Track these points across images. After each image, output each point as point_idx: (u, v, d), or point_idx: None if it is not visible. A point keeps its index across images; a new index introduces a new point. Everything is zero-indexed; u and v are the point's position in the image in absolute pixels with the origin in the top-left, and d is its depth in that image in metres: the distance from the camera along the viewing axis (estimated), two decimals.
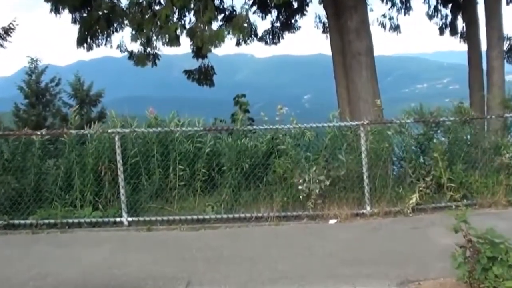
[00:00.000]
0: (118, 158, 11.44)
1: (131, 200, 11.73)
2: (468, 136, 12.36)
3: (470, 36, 20.91)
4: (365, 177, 11.50)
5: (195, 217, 11.38)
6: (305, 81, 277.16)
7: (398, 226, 10.58)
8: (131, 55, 20.17)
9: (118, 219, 11.51)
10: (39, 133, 11.91)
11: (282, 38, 23.85)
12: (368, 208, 11.48)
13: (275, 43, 23.70)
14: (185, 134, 12.19)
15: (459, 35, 24.01)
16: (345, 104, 17.06)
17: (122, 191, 11.41)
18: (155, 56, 20.14)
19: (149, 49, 19.62)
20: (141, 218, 11.47)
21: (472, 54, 20.57)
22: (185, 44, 18.77)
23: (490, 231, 6.50)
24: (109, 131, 11.64)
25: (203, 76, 21.72)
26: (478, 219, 7.35)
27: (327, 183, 11.33)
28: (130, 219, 11.46)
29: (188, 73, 21.85)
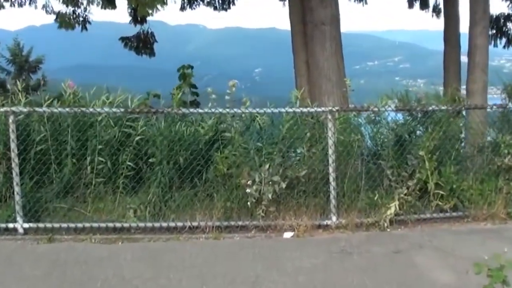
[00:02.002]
0: (13, 145, 8.71)
1: (31, 200, 9.02)
2: (463, 131, 9.97)
3: (448, 9, 18.52)
4: (331, 178, 9.02)
5: (110, 225, 8.78)
6: (256, 54, 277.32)
7: (374, 248, 8.08)
8: (57, 17, 17.46)
9: (10, 225, 8.80)
10: None
11: (233, 4, 20.88)
12: (334, 218, 9.03)
13: (225, 9, 20.71)
14: (112, 116, 9.54)
15: (430, 8, 21.82)
16: (304, 81, 14.54)
17: (16, 188, 8.69)
18: (85, 19, 17.45)
19: (79, 10, 17.00)
20: (41, 225, 8.77)
21: (448, 30, 18.22)
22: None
23: None
24: (1, 110, 8.86)
25: (142, 44, 19.02)
26: (475, 239, 5.13)
27: (283, 185, 8.85)
28: (26, 225, 8.76)
29: (125, 40, 19.09)
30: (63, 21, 16.78)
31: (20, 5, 17.82)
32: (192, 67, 15.70)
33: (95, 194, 9.36)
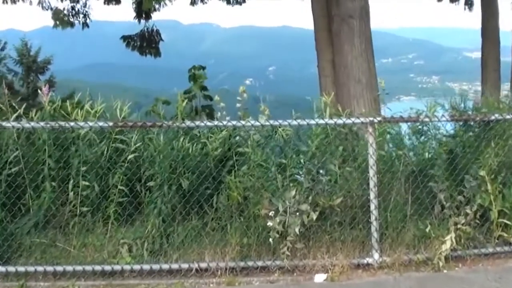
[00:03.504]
0: None
1: (1, 234, 7.25)
2: None
3: (487, 1, 16.75)
4: (372, 206, 7.25)
5: (98, 267, 7.03)
6: (270, 52, 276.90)
7: None
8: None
9: None
10: None
11: None
12: (377, 256, 7.26)
13: (239, 3, 18.80)
14: (96, 130, 7.76)
15: (462, 1, 20.02)
16: (329, 83, 12.76)
17: None
18: (86, 16, 15.87)
19: (78, 6, 15.39)
20: (11, 268, 7.03)
21: (487, 23, 16.54)
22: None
23: None
24: None
25: (147, 42, 17.25)
26: None
27: (313, 216, 7.07)
28: None
29: (128, 39, 17.34)
30: (58, 18, 15.09)
31: (14, 1, 16.17)
32: (204, 68, 13.87)
33: (81, 225, 7.60)
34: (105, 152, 7.83)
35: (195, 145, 7.75)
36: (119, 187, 7.62)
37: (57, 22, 15.22)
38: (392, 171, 7.63)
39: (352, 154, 7.79)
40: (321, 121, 7.29)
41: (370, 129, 7.18)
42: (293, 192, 7.10)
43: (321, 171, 7.65)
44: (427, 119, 7.48)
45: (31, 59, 27.90)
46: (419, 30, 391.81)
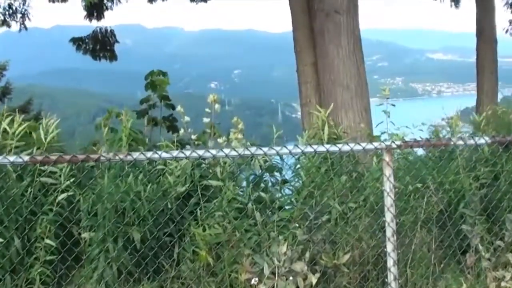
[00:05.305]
0: None
1: None
2: None
3: None
4: (391, 261, 5.24)
5: None
6: (234, 56, 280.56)
7: None
8: None
9: None
10: None
11: None
12: None
13: (205, 0, 16.75)
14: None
15: None
16: (311, 90, 10.87)
17: None
18: (25, 16, 13.91)
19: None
20: None
21: (482, 21, 14.89)
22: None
23: None
24: None
25: (100, 45, 15.16)
26: None
27: (313, 279, 5.11)
28: None
29: (78, 42, 15.27)
30: None
31: None
32: (165, 74, 11.73)
33: None
34: (29, 190, 5.85)
35: (148, 182, 5.77)
36: (45, 240, 5.59)
37: None
38: (412, 211, 5.71)
39: (357, 185, 5.90)
40: (321, 149, 5.24)
41: (387, 158, 5.21)
42: (284, 247, 5.15)
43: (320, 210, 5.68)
44: (460, 142, 5.52)
45: None
46: (383, 31, 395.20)
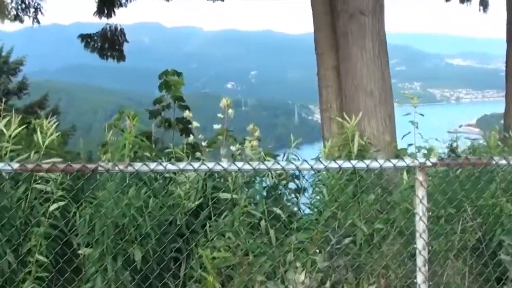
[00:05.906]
0: None
1: None
2: None
3: None
4: None
5: None
6: (252, 56, 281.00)
7: None
8: None
9: None
10: None
11: None
12: None
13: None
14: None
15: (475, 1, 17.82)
16: (332, 94, 10.41)
17: None
18: (37, 10, 13.66)
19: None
20: None
21: None
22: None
23: None
24: None
25: (109, 44, 14.69)
26: None
27: None
28: None
29: (86, 39, 14.81)
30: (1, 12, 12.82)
31: None
32: (180, 74, 11.14)
33: None
34: (24, 198, 5.34)
35: (153, 194, 5.20)
36: (37, 255, 5.04)
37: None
38: (447, 238, 5.10)
39: (385, 206, 5.31)
40: (347, 164, 4.61)
41: (420, 177, 4.59)
42: (302, 275, 4.55)
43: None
44: (503, 162, 4.88)
45: (1, 60, 26.41)
46: (400, 35, 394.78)
